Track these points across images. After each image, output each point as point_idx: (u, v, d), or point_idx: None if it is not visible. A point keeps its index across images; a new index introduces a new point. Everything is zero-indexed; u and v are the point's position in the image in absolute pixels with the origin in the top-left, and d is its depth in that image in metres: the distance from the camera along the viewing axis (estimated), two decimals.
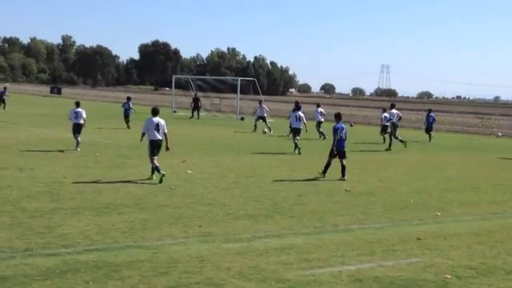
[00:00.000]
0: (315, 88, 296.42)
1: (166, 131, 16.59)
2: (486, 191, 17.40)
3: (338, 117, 18.90)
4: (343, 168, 18.20)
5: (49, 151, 21.75)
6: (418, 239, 11.13)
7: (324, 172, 18.34)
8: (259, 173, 18.76)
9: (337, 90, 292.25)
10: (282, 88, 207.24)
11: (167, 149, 16.65)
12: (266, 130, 34.83)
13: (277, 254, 9.71)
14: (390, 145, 28.48)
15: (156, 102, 74.68)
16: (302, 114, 25.49)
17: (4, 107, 45.75)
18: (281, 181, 17.41)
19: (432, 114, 36.21)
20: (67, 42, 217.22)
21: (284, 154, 24.53)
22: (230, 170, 19.17)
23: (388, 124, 29.51)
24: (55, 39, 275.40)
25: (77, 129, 23.11)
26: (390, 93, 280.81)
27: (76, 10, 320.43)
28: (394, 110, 29.71)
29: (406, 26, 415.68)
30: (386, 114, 29.95)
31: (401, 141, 29.24)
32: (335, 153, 18.35)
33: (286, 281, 8.34)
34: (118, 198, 13.68)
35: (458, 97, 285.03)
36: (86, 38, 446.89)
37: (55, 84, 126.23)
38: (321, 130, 32.85)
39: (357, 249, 10.28)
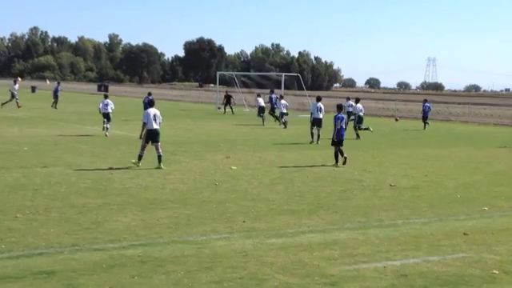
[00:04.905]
0: (360, 83, 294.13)
1: (161, 121, 18.50)
2: None
3: (339, 108, 20.48)
4: (341, 152, 19.48)
5: (96, 148, 22.12)
6: (465, 234, 10.96)
7: (337, 162, 19.41)
8: (303, 168, 18.74)
9: (382, 85, 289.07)
10: (326, 83, 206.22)
11: None
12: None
13: (321, 249, 9.69)
14: (357, 135, 29.77)
15: (201, 99, 75.44)
16: (322, 106, 27.07)
17: (55, 105, 46.69)
18: (325, 176, 17.35)
19: (427, 103, 39.81)
20: (114, 40, 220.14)
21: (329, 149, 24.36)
22: (273, 165, 19.20)
23: (351, 110, 33.22)
24: (102, 38, 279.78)
25: (107, 117, 26.85)
26: (437, 86, 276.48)
27: (122, 8, 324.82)
28: (359, 105, 31.94)
29: (452, 18, 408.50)
30: (350, 102, 34.87)
31: (365, 129, 31.00)
32: (335, 140, 19.48)
33: (330, 276, 8.32)
34: (163, 194, 13.85)
35: (507, 89, 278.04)
36: (132, 37, 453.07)
37: (102, 82, 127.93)
38: (282, 119, 36.73)
39: (402, 244, 10.19)
